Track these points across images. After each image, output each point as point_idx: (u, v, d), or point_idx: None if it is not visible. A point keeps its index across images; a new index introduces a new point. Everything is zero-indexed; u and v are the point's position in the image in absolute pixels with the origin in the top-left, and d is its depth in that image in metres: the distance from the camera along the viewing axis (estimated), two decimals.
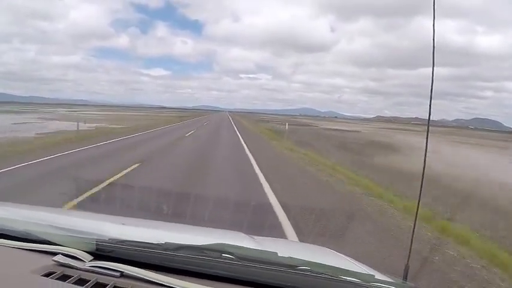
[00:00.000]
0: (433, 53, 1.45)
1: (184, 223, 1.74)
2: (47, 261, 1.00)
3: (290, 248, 1.47)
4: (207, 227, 1.63)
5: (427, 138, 1.55)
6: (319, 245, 1.54)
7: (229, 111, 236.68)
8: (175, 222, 1.71)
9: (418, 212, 1.70)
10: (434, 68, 1.41)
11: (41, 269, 0.96)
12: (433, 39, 1.43)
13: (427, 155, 1.50)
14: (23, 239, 1.13)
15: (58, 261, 0.99)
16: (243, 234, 1.41)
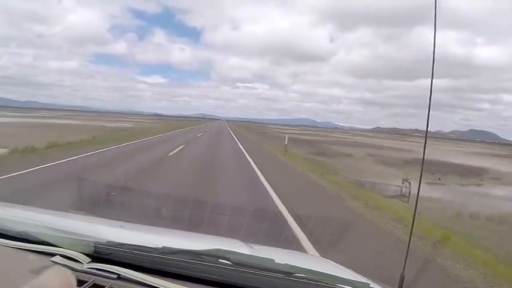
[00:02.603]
0: (433, 64, 1.49)
1: (182, 227, 1.76)
2: (45, 262, 1.02)
3: (287, 256, 1.50)
4: (204, 233, 1.65)
5: (424, 148, 1.59)
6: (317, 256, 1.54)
7: (226, 120, 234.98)
8: (174, 227, 1.74)
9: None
10: (434, 80, 1.45)
11: (39, 269, 0.98)
12: (433, 51, 1.47)
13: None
14: (21, 239, 1.14)
15: (56, 262, 1.01)
16: (240, 242, 1.43)
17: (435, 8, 1.46)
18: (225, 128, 55.66)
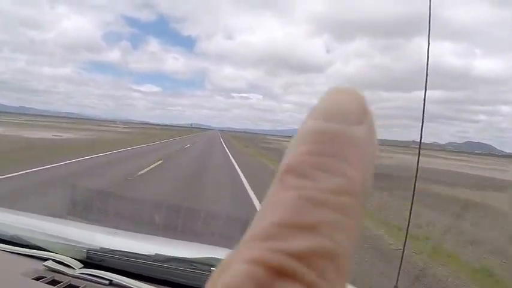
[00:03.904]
0: (426, 75, 1.54)
1: (176, 235, 1.77)
2: (38, 266, 1.04)
3: None
4: (197, 242, 1.66)
5: (418, 160, 1.63)
6: None
7: (220, 130, 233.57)
8: (167, 234, 1.75)
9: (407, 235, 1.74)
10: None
11: (31, 273, 1.00)
12: (427, 62, 1.53)
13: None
14: (14, 243, 1.16)
15: (48, 267, 1.03)
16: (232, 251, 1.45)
17: (429, 20, 1.53)
18: (220, 144, 33.35)
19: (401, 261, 1.63)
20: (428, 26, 1.53)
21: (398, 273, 1.55)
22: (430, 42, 1.55)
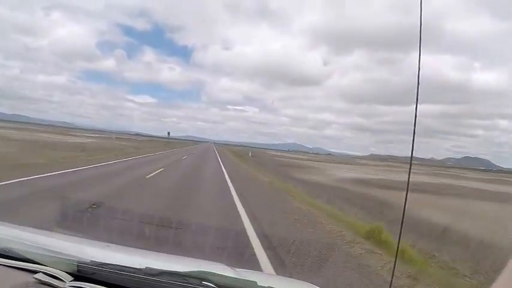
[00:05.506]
0: (417, 90, 1.59)
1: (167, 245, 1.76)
2: (28, 279, 1.05)
3: (269, 280, 1.54)
4: (189, 257, 1.68)
5: (408, 177, 1.66)
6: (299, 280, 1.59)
7: (214, 143, 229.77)
8: (158, 247, 1.75)
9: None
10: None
11: (21, 285, 1.01)
12: (418, 77, 1.57)
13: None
14: (4, 255, 1.17)
15: (39, 279, 1.04)
16: (223, 265, 1.47)
17: (420, 36, 1.58)
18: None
19: (392, 278, 1.65)
20: (419, 41, 1.58)
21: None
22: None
